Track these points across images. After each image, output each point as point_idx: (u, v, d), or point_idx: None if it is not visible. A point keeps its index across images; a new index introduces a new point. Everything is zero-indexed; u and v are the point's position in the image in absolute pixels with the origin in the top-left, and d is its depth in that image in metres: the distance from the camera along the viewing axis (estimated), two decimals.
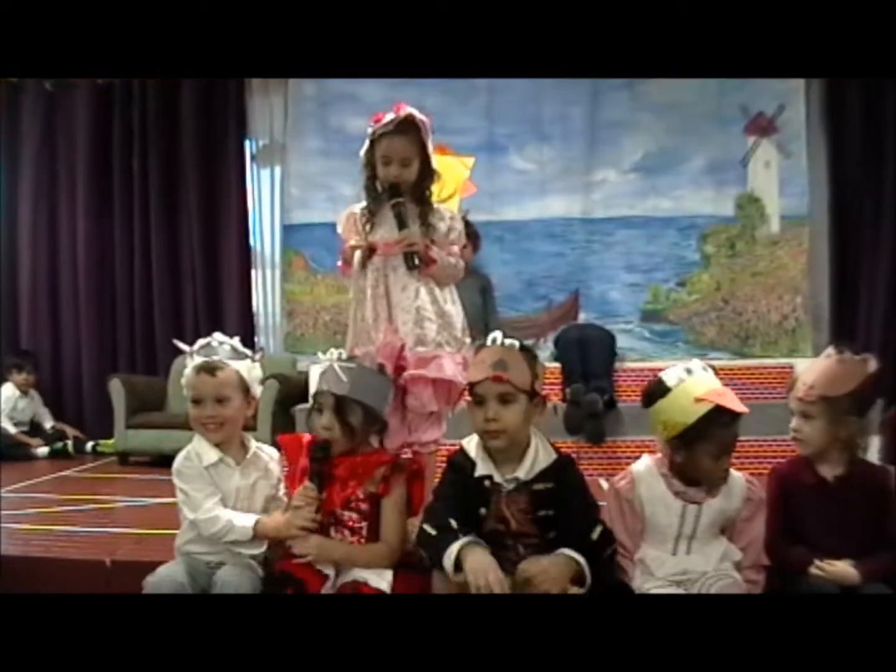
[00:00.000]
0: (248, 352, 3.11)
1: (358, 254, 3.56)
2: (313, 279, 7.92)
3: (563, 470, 2.77)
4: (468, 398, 2.81)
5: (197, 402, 3.00)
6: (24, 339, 8.12)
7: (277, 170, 8.11)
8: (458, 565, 2.54)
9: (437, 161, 5.87)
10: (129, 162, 7.96)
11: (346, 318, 7.58)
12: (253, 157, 8.11)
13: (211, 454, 3.00)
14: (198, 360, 3.01)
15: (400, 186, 3.55)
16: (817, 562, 2.77)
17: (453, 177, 6.06)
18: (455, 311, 3.61)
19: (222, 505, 2.95)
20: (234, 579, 2.79)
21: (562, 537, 2.71)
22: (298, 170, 8.02)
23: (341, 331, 7.67)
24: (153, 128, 7.93)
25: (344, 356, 3.05)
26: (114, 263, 8.02)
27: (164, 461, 3.17)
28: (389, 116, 3.50)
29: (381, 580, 2.81)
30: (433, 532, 2.67)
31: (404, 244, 3.48)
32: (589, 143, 7.19)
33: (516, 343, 2.80)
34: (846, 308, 7.54)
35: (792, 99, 7.66)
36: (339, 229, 3.73)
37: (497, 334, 2.79)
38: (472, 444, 2.81)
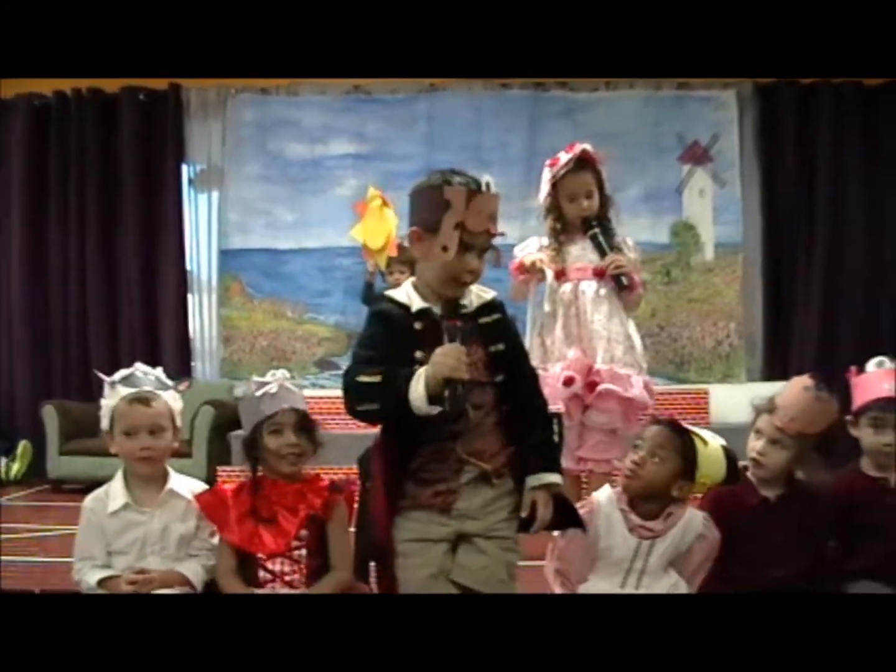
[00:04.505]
0: (170, 382, 3.06)
1: (549, 278, 3.83)
2: (250, 304, 7.88)
3: (502, 305, 2.60)
4: None
5: (129, 433, 2.90)
6: None
7: (215, 195, 8.08)
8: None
9: (379, 212, 5.93)
10: (66, 184, 7.88)
11: (282, 343, 7.72)
12: (191, 182, 8.07)
13: (119, 498, 2.94)
14: (123, 390, 2.94)
15: (590, 218, 3.82)
16: None
17: (386, 230, 6.09)
18: (636, 335, 3.91)
19: (127, 552, 2.90)
20: None
21: (512, 388, 2.52)
22: (237, 195, 7.99)
23: (278, 356, 7.67)
24: (90, 150, 7.85)
25: (287, 376, 2.98)
26: (48, 287, 7.91)
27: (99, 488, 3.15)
28: (565, 157, 3.79)
29: None
30: (376, 378, 2.38)
31: (614, 266, 3.75)
32: (527, 170, 7.21)
33: None
34: (779, 334, 7.67)
35: (726, 128, 7.81)
36: (522, 255, 3.95)
37: (489, 179, 2.49)
38: (399, 292, 2.54)
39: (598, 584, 2.80)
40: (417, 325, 2.45)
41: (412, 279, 2.57)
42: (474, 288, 2.52)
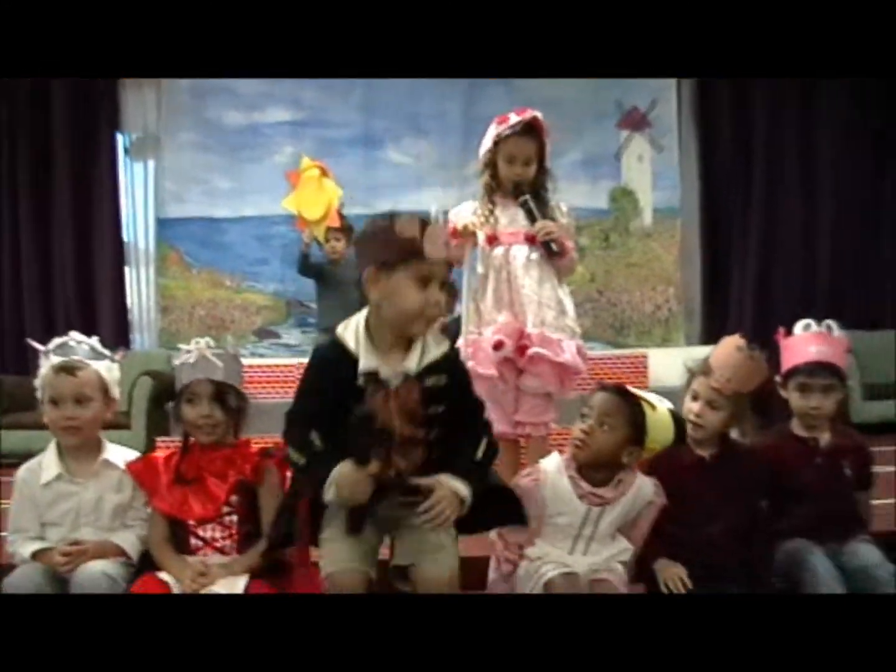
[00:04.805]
0: (108, 352, 3.00)
1: (481, 242, 3.80)
2: (188, 274, 7.84)
3: (454, 362, 2.59)
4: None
5: (55, 402, 2.85)
6: None
7: (151, 164, 7.99)
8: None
9: (317, 182, 5.93)
10: None
11: (221, 312, 7.66)
12: (126, 151, 7.98)
13: (52, 469, 2.91)
14: (55, 359, 2.88)
15: (522, 184, 3.79)
16: (663, 561, 2.84)
17: (326, 200, 6.08)
18: (568, 300, 3.87)
19: (60, 524, 2.87)
20: (90, 582, 2.66)
21: (446, 440, 2.53)
22: (173, 164, 7.92)
23: (216, 325, 7.63)
24: (23, 121, 7.71)
25: (212, 344, 2.95)
26: None
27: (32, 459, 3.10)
28: (515, 118, 3.74)
29: (235, 587, 2.69)
30: (300, 460, 2.49)
31: (543, 233, 3.72)
32: (465, 137, 7.21)
33: None
34: (717, 298, 7.75)
35: (664, 95, 7.85)
36: (456, 220, 3.84)
37: (437, 210, 2.59)
38: (348, 332, 2.50)
39: (545, 549, 2.79)
40: (360, 381, 2.43)
41: (367, 312, 2.51)
42: (430, 337, 2.50)
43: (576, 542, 2.80)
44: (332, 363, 2.48)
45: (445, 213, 2.50)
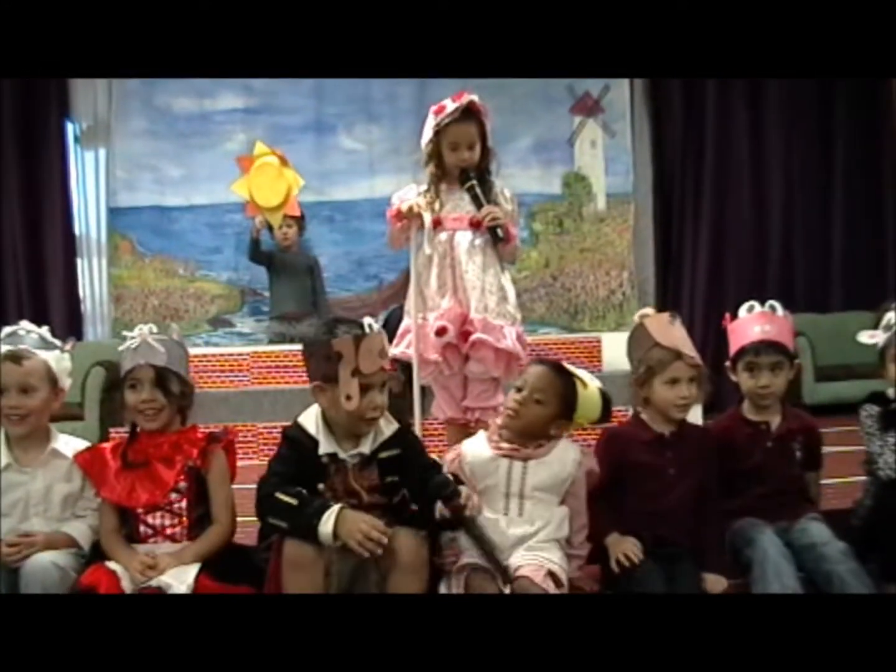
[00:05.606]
0: (58, 342, 3.03)
1: (427, 223, 3.83)
2: (140, 263, 7.76)
3: (404, 437, 2.83)
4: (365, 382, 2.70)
5: (1, 391, 2.86)
6: None
7: (102, 152, 7.88)
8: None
9: (277, 170, 5.93)
10: None
11: (174, 302, 7.61)
12: (76, 139, 7.88)
13: (1, 458, 2.91)
14: (3, 348, 2.89)
15: (468, 169, 3.83)
16: (615, 536, 2.90)
17: (286, 188, 6.06)
18: (510, 287, 3.93)
19: (9, 514, 2.85)
20: (37, 577, 2.66)
21: (406, 498, 2.80)
22: (124, 151, 7.82)
23: (170, 315, 7.58)
24: None
25: (155, 330, 2.99)
26: None
27: None
28: (452, 105, 3.77)
29: (182, 584, 2.68)
30: (293, 501, 2.60)
31: (489, 219, 3.77)
32: (417, 122, 7.14)
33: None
34: (670, 282, 7.80)
35: (616, 80, 7.83)
36: (398, 202, 3.96)
37: (370, 321, 2.77)
38: (310, 420, 2.77)
39: (484, 513, 2.86)
40: (324, 460, 2.72)
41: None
42: (383, 420, 2.78)
43: (507, 500, 2.90)
44: (296, 441, 2.76)
45: (383, 321, 2.72)
